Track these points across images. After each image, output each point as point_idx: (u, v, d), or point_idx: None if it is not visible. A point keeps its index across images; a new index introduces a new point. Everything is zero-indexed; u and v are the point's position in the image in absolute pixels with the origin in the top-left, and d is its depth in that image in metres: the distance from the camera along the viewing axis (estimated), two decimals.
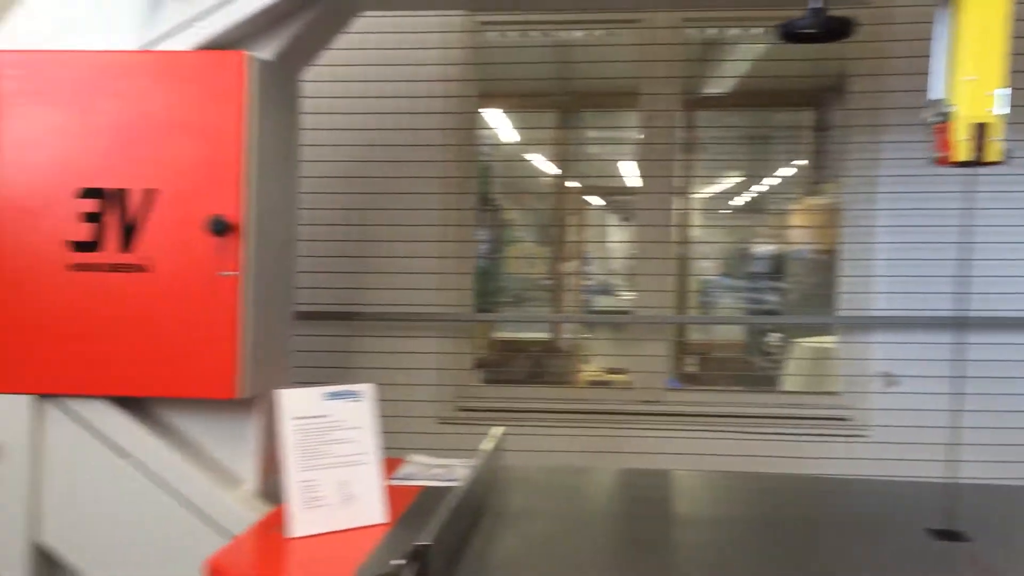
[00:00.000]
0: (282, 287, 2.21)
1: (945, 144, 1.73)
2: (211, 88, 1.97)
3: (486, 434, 3.07)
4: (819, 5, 1.84)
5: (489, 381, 3.27)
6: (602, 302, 4.95)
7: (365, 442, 1.95)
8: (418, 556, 1.43)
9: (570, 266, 3.94)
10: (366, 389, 1.99)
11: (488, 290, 3.60)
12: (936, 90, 1.75)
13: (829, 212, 3.34)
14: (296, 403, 1.90)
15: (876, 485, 2.32)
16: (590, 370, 4.08)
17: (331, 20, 2.28)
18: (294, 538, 1.80)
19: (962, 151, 1.69)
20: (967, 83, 1.68)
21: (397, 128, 3.12)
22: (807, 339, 3.47)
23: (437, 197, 3.09)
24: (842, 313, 3.02)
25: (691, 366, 3.63)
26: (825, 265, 3.36)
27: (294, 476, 1.84)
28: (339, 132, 3.13)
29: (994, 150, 1.69)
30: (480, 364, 3.31)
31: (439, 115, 3.10)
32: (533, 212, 4.13)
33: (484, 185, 3.34)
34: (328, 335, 3.06)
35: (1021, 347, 2.88)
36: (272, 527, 1.87)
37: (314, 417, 1.91)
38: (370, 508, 1.90)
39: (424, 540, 1.44)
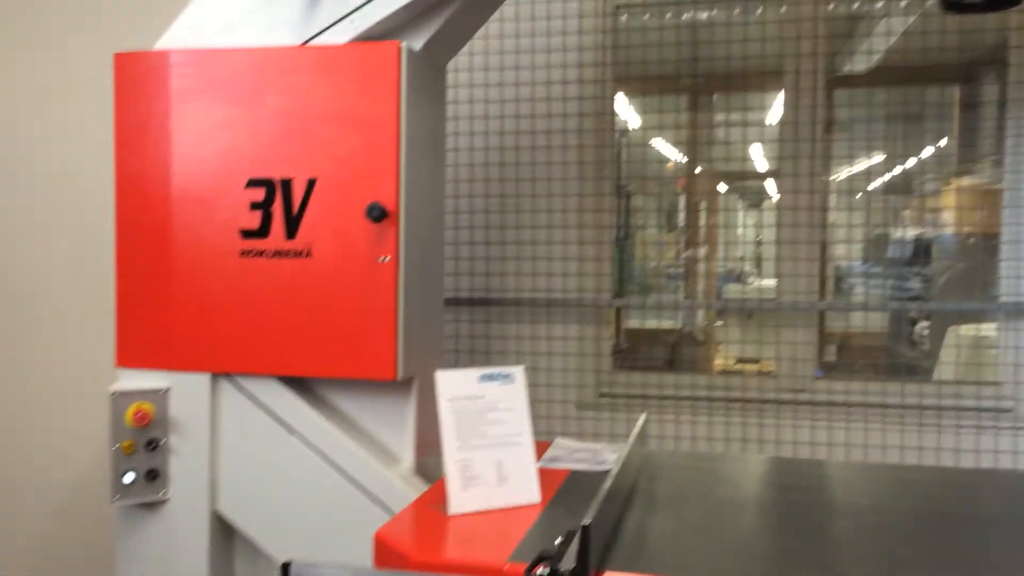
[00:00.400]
0: (433, 272, 2.27)
1: None
2: (368, 79, 2.03)
3: (625, 420, 3.08)
4: None
5: (626, 368, 3.26)
6: (735, 290, 4.85)
7: (519, 423, 1.98)
8: (579, 536, 1.45)
9: (703, 253, 3.88)
10: (518, 371, 2.03)
11: (623, 277, 3.59)
12: None
13: (985, 193, 3.16)
14: (453, 384, 1.95)
15: None
16: (724, 359, 4.01)
17: (476, 9, 2.31)
18: (452, 515, 1.85)
19: None
20: None
21: (533, 115, 3.14)
22: (962, 326, 3.30)
23: (574, 183, 3.10)
24: (1004, 299, 2.86)
25: (835, 356, 3.52)
26: (981, 248, 3.18)
27: (452, 455, 1.89)
28: (475, 120, 3.18)
29: None
30: (616, 351, 3.31)
31: (575, 100, 3.10)
32: (667, 198, 4.08)
33: (619, 170, 3.31)
34: (468, 320, 3.12)
35: None
36: (430, 504, 1.93)
37: (470, 398, 1.96)
38: (525, 488, 1.93)
39: (585, 520, 1.46)
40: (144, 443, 2.04)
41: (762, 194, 5.39)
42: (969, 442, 2.78)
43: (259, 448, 2.07)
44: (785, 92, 3.06)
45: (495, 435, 1.95)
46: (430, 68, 2.22)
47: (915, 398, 2.89)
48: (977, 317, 3.22)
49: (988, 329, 3.10)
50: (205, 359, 2.07)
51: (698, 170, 3.77)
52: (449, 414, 1.93)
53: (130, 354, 2.12)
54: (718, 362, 4.02)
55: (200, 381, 2.08)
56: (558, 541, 1.63)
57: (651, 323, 4.00)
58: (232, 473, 2.09)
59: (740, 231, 4.15)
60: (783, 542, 1.72)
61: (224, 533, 2.14)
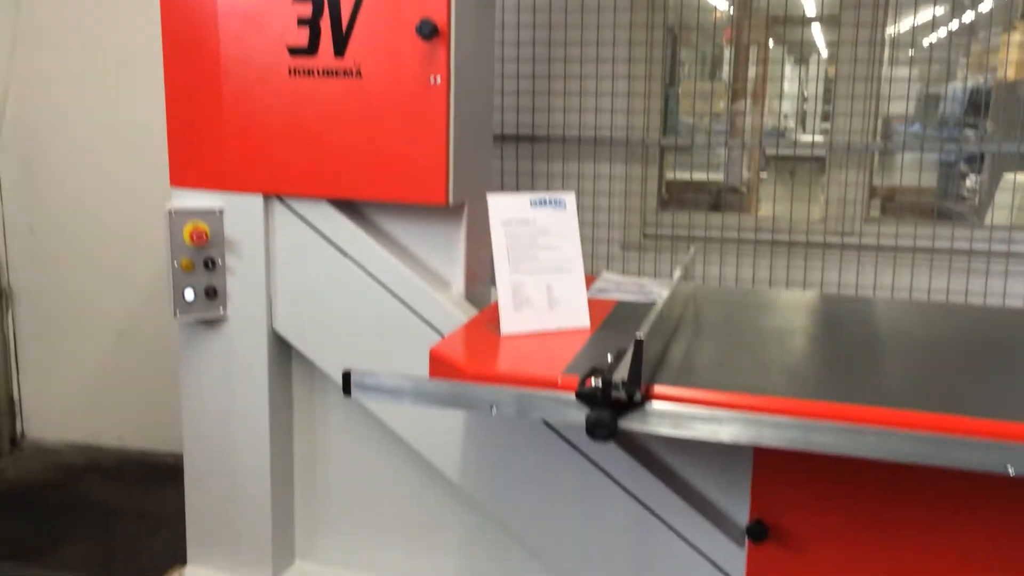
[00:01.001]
0: (483, 98, 2.23)
1: None
2: None
3: (670, 261, 3.08)
4: None
5: (672, 210, 3.23)
6: (784, 144, 4.72)
7: (569, 250, 1.99)
8: (632, 349, 1.47)
9: (749, 106, 3.76)
10: (570, 198, 2.02)
11: (668, 126, 3.49)
12: None
13: None
14: (505, 208, 1.95)
15: None
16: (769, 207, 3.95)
17: None
18: (504, 336, 1.89)
19: None
20: None
21: None
22: (1019, 174, 3.21)
23: (624, 17, 2.98)
24: None
25: (876, 209, 3.45)
26: None
27: (505, 278, 1.91)
28: None
29: None
30: (661, 197, 3.27)
31: None
32: (712, 47, 3.92)
33: (665, 16, 3.17)
34: (514, 157, 3.09)
35: None
36: (483, 325, 1.97)
37: (522, 222, 1.96)
38: (575, 313, 1.96)
39: (638, 335, 1.48)
40: (202, 261, 2.08)
41: (811, 49, 5.16)
42: (1019, 287, 2.76)
43: (313, 269, 2.11)
44: None
45: (546, 260, 1.96)
46: None
47: (965, 242, 2.85)
48: None
49: None
50: (257, 180, 2.07)
51: (752, 18, 3.60)
52: (501, 237, 1.93)
53: (183, 174, 2.13)
54: (764, 213, 3.97)
55: (253, 202, 2.09)
56: (610, 357, 1.67)
57: (696, 175, 3.93)
58: (287, 293, 2.14)
59: (787, 86, 3.97)
60: (828, 365, 1.75)
61: (282, 351, 2.21)
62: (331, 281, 2.10)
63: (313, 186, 2.06)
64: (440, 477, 2.16)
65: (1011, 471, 1.37)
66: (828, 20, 3.23)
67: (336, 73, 2.01)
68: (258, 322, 2.14)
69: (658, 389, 1.56)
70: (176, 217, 2.06)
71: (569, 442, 1.97)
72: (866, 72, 2.90)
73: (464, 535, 2.20)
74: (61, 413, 3.66)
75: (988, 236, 2.85)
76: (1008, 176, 3.30)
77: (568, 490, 1.99)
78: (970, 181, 4.21)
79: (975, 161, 3.94)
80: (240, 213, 2.10)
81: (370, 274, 2.08)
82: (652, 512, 1.93)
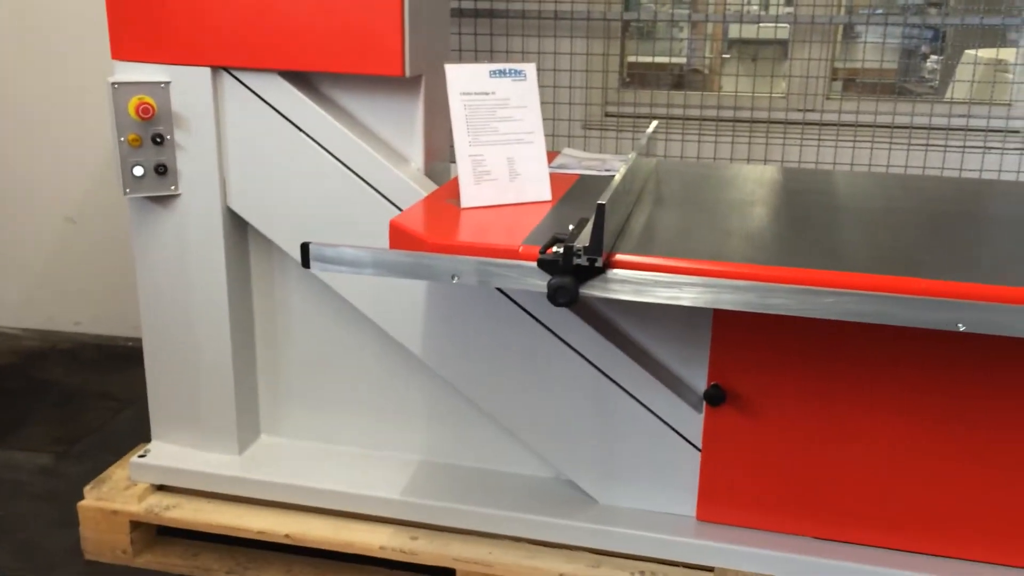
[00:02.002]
0: None
1: None
2: None
3: (632, 140, 3.05)
4: None
5: (634, 88, 3.17)
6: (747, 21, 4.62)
7: (530, 121, 1.96)
8: (594, 216, 1.47)
9: None
10: (530, 68, 1.97)
11: (631, 3, 3.39)
12: None
13: None
14: (463, 78, 1.90)
15: None
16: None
17: None
18: (466, 208, 1.87)
19: None
20: None
21: None
22: (980, 49, 3.19)
23: None
24: None
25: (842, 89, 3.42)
26: None
27: (464, 150, 1.88)
28: None
29: None
30: (623, 84, 3.20)
31: None
32: None
33: None
34: (472, 33, 2.99)
35: None
36: (444, 198, 1.95)
37: (481, 93, 1.91)
38: (536, 185, 1.94)
39: (600, 200, 1.47)
40: (150, 137, 2.00)
41: None
42: (974, 162, 2.78)
43: (266, 145, 2.05)
44: None
45: (506, 132, 1.93)
46: None
47: (925, 118, 2.86)
48: (994, 40, 3.10)
49: (1006, 53, 3.00)
50: (203, 52, 1.98)
51: None
52: (460, 109, 1.89)
53: (125, 47, 2.02)
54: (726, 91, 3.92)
55: (200, 75, 2.00)
56: (571, 227, 1.66)
57: (659, 59, 3.84)
58: (241, 169, 2.08)
59: None
60: (787, 233, 1.76)
61: (238, 228, 2.16)
62: (286, 157, 2.05)
63: (263, 58, 1.98)
64: (403, 350, 2.17)
65: (961, 327, 1.41)
66: None
67: None
68: (211, 199, 2.08)
69: (619, 257, 1.56)
70: (120, 90, 1.97)
71: (530, 314, 1.99)
72: None
73: (428, 406, 2.24)
74: (16, 299, 3.60)
75: (948, 111, 2.86)
76: (969, 52, 3.29)
77: (530, 360, 2.01)
78: (931, 62, 4.19)
79: (937, 41, 3.91)
80: (187, 86, 2.01)
81: (326, 149, 2.02)
82: (612, 380, 1.97)
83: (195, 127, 2.04)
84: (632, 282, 1.51)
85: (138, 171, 2.01)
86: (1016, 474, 1.81)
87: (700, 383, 1.97)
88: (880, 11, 2.94)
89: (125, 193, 2.02)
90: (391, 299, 2.07)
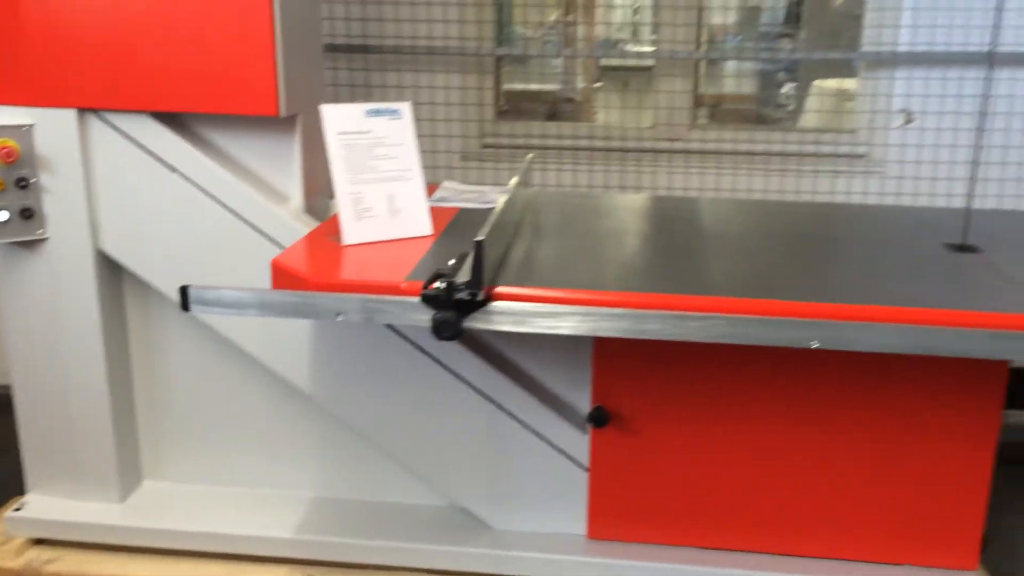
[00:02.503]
0: (310, 9, 2.15)
1: None
2: None
3: (508, 170, 3.13)
4: None
5: (510, 119, 3.26)
6: (613, 56, 4.82)
7: (408, 158, 2.00)
8: (473, 252, 1.52)
9: (581, 16, 3.81)
10: (405, 107, 2.01)
11: (503, 36, 3.50)
12: None
13: None
14: (340, 118, 1.92)
15: (897, 211, 2.41)
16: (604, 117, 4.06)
17: None
18: (347, 245, 1.89)
19: None
20: None
21: None
22: (828, 81, 3.45)
23: None
24: (866, 49, 2.98)
25: (707, 116, 3.62)
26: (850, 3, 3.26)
27: (344, 189, 1.90)
28: None
29: None
30: (500, 112, 3.29)
31: None
32: None
33: None
34: (347, 68, 3.01)
35: None
36: (325, 235, 1.96)
37: (358, 133, 1.94)
38: (417, 220, 1.98)
39: (478, 237, 1.52)
40: (14, 181, 1.93)
41: None
42: (826, 185, 2.99)
43: (140, 186, 2.01)
44: None
45: (385, 170, 1.96)
46: None
47: (780, 145, 3.06)
48: (840, 71, 3.36)
49: (849, 83, 3.25)
50: (68, 94, 1.93)
51: None
52: (338, 148, 1.91)
53: None
54: (598, 121, 4.08)
55: (65, 117, 1.95)
56: (452, 261, 1.71)
57: (533, 86, 3.97)
58: (113, 211, 2.03)
59: None
60: (659, 261, 1.86)
61: (111, 271, 2.11)
62: (161, 198, 2.01)
63: (132, 99, 1.95)
64: (290, 387, 2.16)
65: (814, 344, 1.53)
66: None
67: None
68: (82, 242, 2.03)
69: (500, 289, 1.62)
70: None
71: (417, 345, 2.02)
72: None
73: (317, 441, 2.23)
74: None
75: (799, 139, 3.07)
76: (817, 82, 3.55)
77: (418, 391, 2.04)
78: (787, 88, 4.49)
79: (793, 69, 4.19)
80: (52, 129, 1.96)
81: (202, 189, 2.00)
82: (500, 407, 2.02)
83: (62, 170, 1.99)
84: (513, 313, 1.57)
85: (2, 216, 1.93)
86: (872, 475, 1.97)
87: (585, 406, 2.04)
88: (739, 38, 3.14)
89: None
90: (275, 337, 2.06)
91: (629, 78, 3.71)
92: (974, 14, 2.81)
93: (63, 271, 2.04)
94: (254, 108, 1.95)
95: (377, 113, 1.98)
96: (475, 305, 1.55)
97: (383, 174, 1.96)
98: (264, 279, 1.98)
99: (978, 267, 1.83)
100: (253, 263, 2.02)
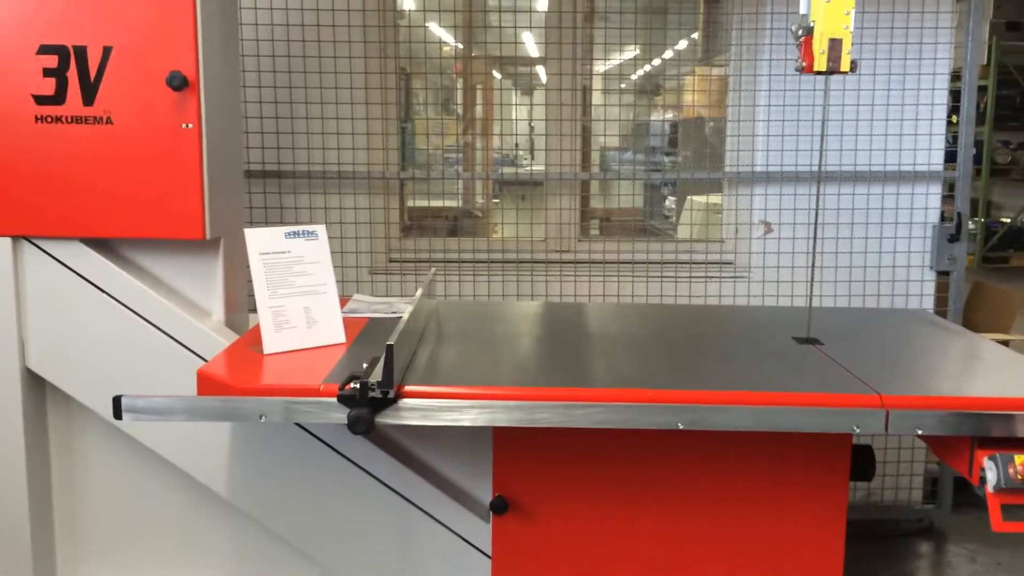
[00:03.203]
0: (233, 140, 2.39)
1: (808, 55, 2.03)
2: None
3: (414, 282, 3.38)
4: None
5: (413, 236, 3.54)
6: (509, 171, 5.20)
7: (323, 275, 2.22)
8: (384, 355, 1.73)
9: (479, 137, 4.16)
10: (321, 229, 2.25)
11: (407, 158, 3.81)
12: (804, 5, 2.02)
13: (718, 80, 3.66)
14: (262, 240, 2.14)
15: (753, 310, 2.75)
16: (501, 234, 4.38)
17: None
18: (268, 354, 2.07)
19: (820, 63, 1.99)
20: (825, 3, 1.95)
21: None
22: (699, 196, 3.87)
23: (360, 61, 3.25)
24: (728, 169, 3.40)
25: (599, 230, 3.98)
26: (715, 130, 3.71)
27: (265, 303, 2.10)
28: None
29: (845, 62, 2.00)
30: (404, 228, 3.57)
31: None
32: (442, 82, 4.29)
33: (397, 52, 3.49)
34: (262, 192, 3.24)
35: (870, 196, 3.32)
36: (247, 346, 2.14)
37: (278, 253, 2.16)
38: (332, 330, 2.19)
39: (389, 342, 1.74)
40: None
41: (534, 81, 5.71)
42: (699, 290, 3.35)
43: (69, 306, 2.16)
44: None
45: (302, 285, 2.17)
46: None
47: (659, 255, 3.41)
48: (709, 188, 3.78)
49: (716, 198, 3.67)
50: (1, 223, 2.10)
51: (476, 55, 4.01)
52: (259, 267, 2.12)
53: None
54: (496, 236, 4.39)
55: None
56: (365, 364, 1.92)
57: (434, 203, 4.25)
58: (41, 331, 2.16)
59: (514, 116, 4.44)
60: (548, 359, 2.11)
61: (36, 387, 2.22)
62: (89, 317, 2.17)
63: (64, 227, 2.12)
64: (206, 491, 2.28)
65: (680, 426, 1.78)
66: (543, 60, 3.70)
67: (85, 120, 2.10)
68: (9, 361, 2.15)
69: (408, 388, 1.82)
70: None
71: (330, 446, 2.19)
72: (572, 112, 3.39)
73: (235, 545, 2.34)
74: None
75: (675, 248, 3.43)
76: (691, 197, 3.96)
77: (332, 491, 2.20)
78: (669, 201, 4.93)
79: (675, 184, 4.64)
80: None
81: (128, 308, 2.17)
82: (409, 501, 2.19)
83: None
84: (420, 409, 1.78)
85: None
86: (749, 540, 2.20)
87: (487, 496, 2.23)
88: (628, 155, 3.50)
89: None
90: (195, 444, 2.20)
91: (525, 192, 4.05)
92: (814, 139, 3.26)
93: None
94: (182, 232, 2.15)
95: (295, 235, 2.20)
96: (386, 402, 1.75)
97: (301, 289, 2.17)
98: (188, 391, 2.13)
99: (818, 357, 2.14)
100: (177, 376, 2.17)
